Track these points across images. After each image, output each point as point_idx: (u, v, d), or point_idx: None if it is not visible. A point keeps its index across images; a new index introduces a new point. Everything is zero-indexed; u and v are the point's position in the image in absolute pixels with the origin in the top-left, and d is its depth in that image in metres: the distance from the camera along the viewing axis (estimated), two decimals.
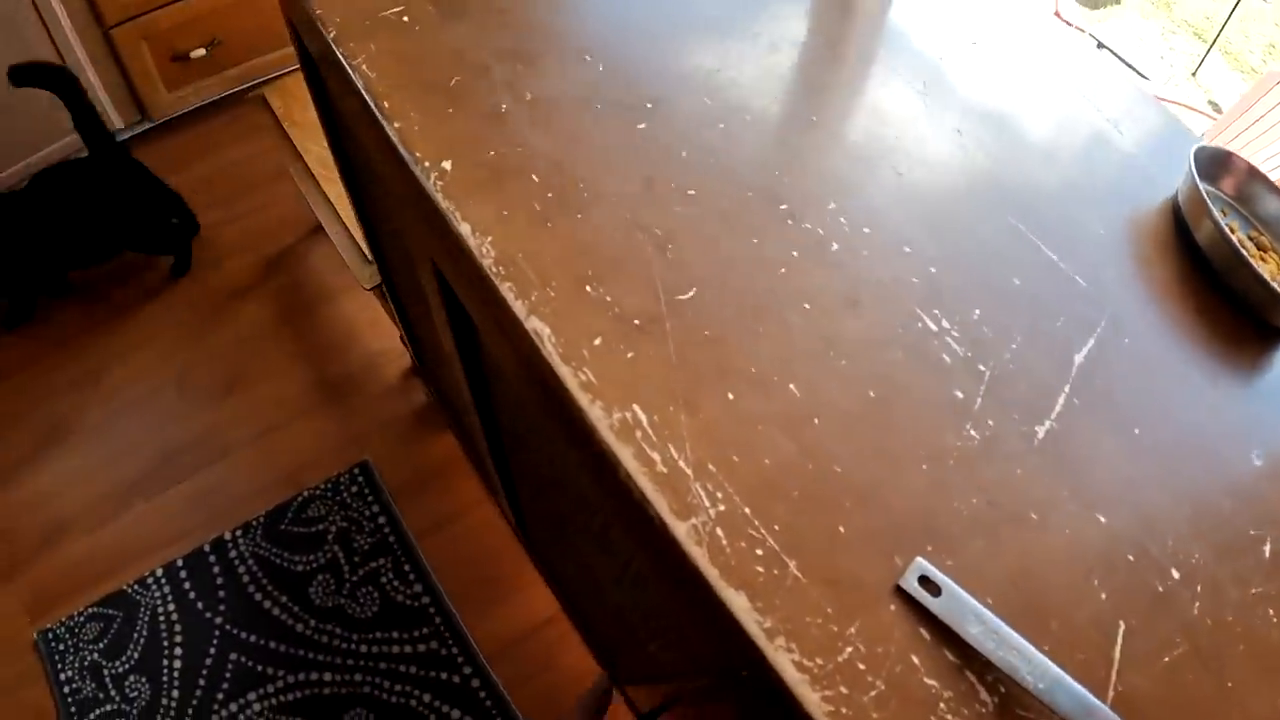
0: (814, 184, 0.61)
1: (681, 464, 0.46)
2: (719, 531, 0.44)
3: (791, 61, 0.69)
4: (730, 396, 0.49)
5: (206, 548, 1.33)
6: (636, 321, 0.51)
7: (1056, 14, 2.60)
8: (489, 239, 0.53)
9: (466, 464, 1.41)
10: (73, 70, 1.35)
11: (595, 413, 0.46)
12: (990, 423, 0.51)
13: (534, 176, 0.56)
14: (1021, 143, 0.69)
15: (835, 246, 0.57)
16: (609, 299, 0.51)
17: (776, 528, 0.44)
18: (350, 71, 0.59)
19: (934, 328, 0.55)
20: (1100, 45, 2.62)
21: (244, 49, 1.77)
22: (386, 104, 0.58)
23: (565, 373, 0.48)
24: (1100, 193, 0.67)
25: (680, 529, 0.43)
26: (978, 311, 0.56)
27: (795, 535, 0.44)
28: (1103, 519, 0.50)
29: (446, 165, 0.56)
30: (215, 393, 1.48)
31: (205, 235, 1.65)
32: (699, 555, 0.43)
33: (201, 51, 1.69)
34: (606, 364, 0.48)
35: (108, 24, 1.55)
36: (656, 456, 0.45)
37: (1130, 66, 2.60)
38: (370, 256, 1.17)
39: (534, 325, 0.49)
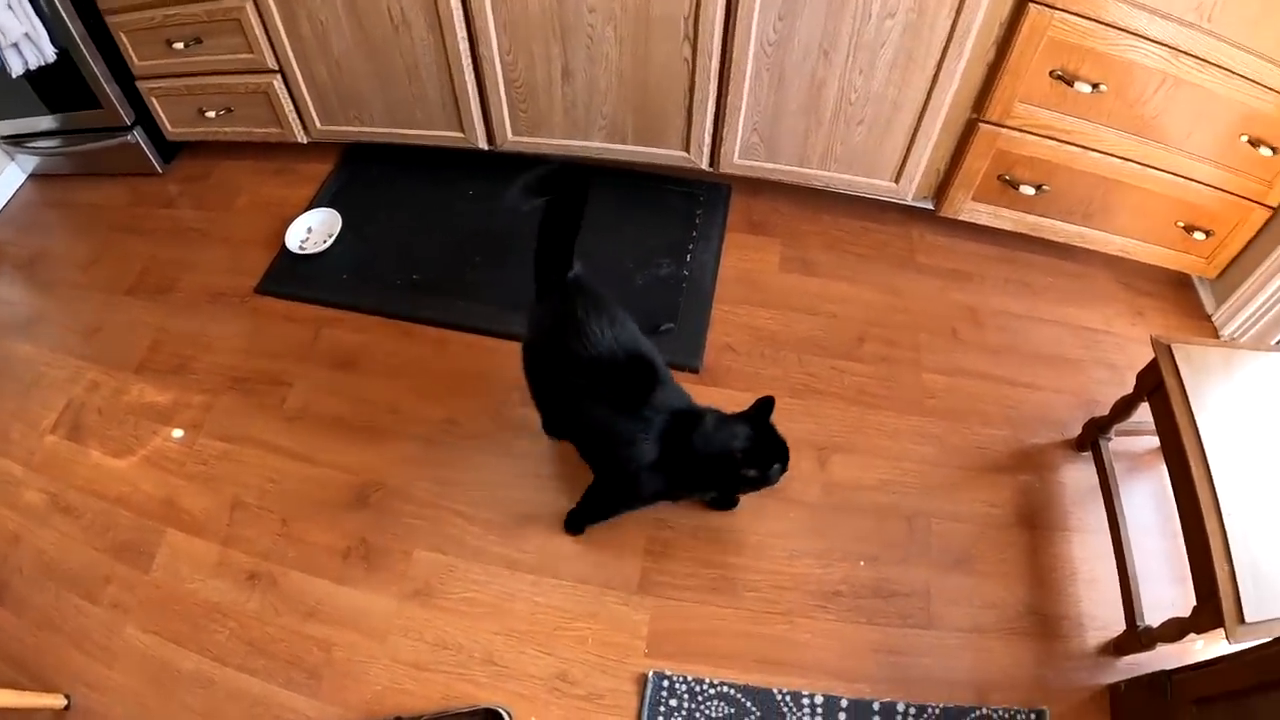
0: None
1: None
2: None
3: None
4: None
5: (876, 705, 1.21)
6: None
7: None
8: None
9: None
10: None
11: None
12: None
13: None
14: None
15: None
16: None
17: None
18: None
19: None
20: None
21: (1062, 210, 1.62)
22: None
23: None
24: None
25: None
26: None
27: None
28: None
29: None
30: (944, 561, 1.38)
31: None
32: None
33: (1030, 190, 1.57)
34: None
35: (980, 116, 1.50)
36: None
37: None
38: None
39: None
